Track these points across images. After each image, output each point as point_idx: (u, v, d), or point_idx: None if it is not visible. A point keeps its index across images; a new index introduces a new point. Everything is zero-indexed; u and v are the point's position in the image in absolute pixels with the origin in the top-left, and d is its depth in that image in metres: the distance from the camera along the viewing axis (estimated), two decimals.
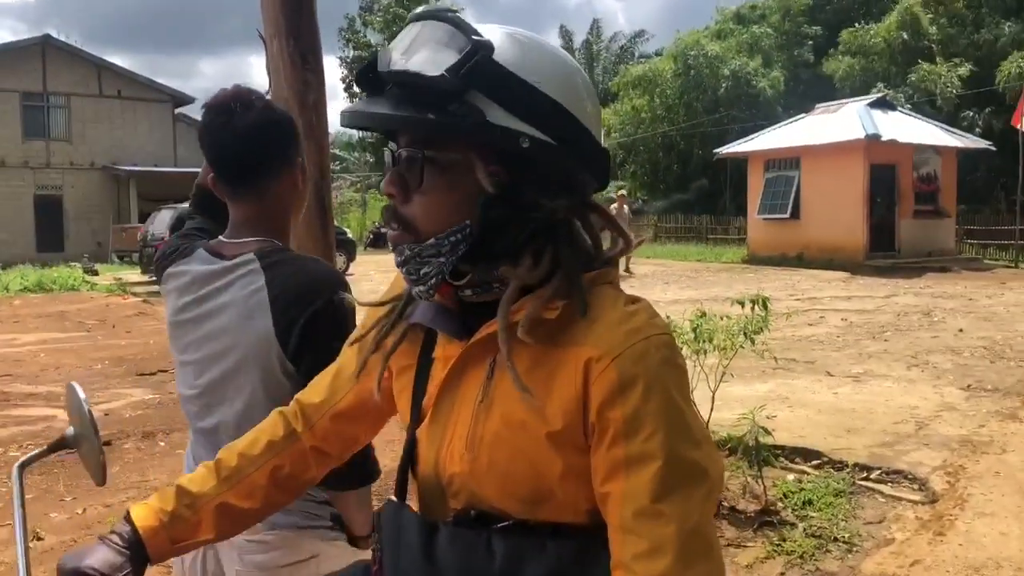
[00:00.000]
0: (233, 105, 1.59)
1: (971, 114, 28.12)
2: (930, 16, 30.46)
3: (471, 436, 1.00)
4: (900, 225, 20.00)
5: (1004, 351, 8.35)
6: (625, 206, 19.42)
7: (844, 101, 22.28)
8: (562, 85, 0.98)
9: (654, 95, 35.03)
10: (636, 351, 0.92)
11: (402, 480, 1.12)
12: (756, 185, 22.05)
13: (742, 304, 4.60)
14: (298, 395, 1.28)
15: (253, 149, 1.60)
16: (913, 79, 28.53)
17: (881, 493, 4.57)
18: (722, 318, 4.62)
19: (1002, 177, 26.10)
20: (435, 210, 0.98)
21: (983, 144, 21.78)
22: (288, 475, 1.22)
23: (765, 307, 4.53)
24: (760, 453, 4.52)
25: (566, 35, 48.67)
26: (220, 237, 1.68)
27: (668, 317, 4.63)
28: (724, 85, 32.62)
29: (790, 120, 23.19)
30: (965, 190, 27.77)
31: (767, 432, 4.48)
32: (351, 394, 1.21)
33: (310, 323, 1.54)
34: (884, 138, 18.45)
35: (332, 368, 1.26)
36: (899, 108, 22.24)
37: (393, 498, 1.10)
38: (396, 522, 1.05)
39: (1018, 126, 20.01)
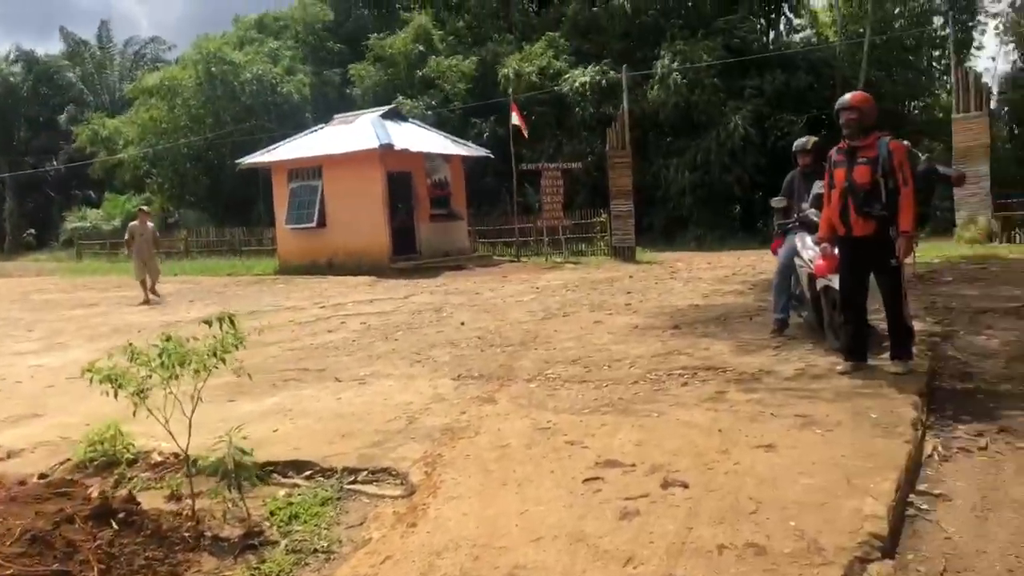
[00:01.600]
0: None
1: (479, 122, 31.21)
2: (440, 33, 33.25)
3: None
4: (419, 228, 21.40)
5: (494, 339, 9.22)
6: (149, 223, 17.91)
7: (359, 112, 23.27)
8: None
9: (175, 104, 33.44)
10: None
11: None
12: (282, 195, 22.07)
13: (209, 324, 4.40)
14: None
15: None
16: (422, 74, 30.90)
17: (366, 494, 4.69)
18: (189, 339, 4.39)
19: (506, 181, 29.32)
20: None
21: (483, 152, 24.20)
22: None
23: (233, 325, 4.39)
24: (239, 474, 4.38)
25: (69, 37, 44.29)
26: None
27: (130, 344, 4.30)
28: (248, 90, 32.23)
29: (311, 130, 23.60)
30: (478, 193, 30.78)
31: (245, 452, 4.35)
32: None
33: None
34: (397, 147, 19.57)
35: None
36: (410, 119, 23.77)
37: None
38: None
39: (524, 134, 22.58)
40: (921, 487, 4.27)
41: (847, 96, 6.30)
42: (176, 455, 5.31)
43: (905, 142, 6.24)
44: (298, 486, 4.88)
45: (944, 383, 6.19)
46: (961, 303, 9.67)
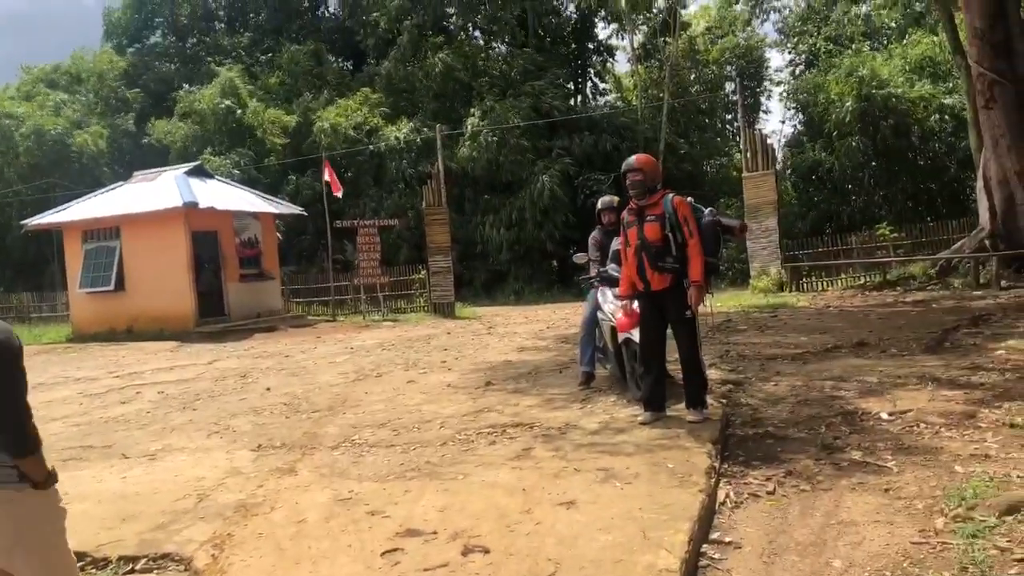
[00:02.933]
0: None
1: (296, 178, 30.65)
2: (249, 88, 32.50)
3: None
4: (228, 289, 20.51)
5: (301, 404, 8.84)
6: None
7: (162, 169, 22.28)
8: None
9: None
10: None
11: None
12: (75, 257, 20.62)
13: None
14: None
15: None
16: (236, 126, 30.01)
17: None
18: None
19: (323, 238, 28.98)
20: None
21: (296, 209, 23.69)
22: None
23: None
24: None
25: None
26: None
27: None
28: (25, 145, 30.10)
29: (108, 188, 22.34)
30: (296, 251, 30.05)
31: None
32: None
33: None
34: (202, 205, 18.78)
35: None
36: (217, 176, 22.98)
37: None
38: None
39: (337, 194, 22.34)
40: (714, 535, 4.36)
41: (632, 158, 6.58)
42: None
43: (689, 198, 6.55)
44: None
45: (737, 430, 6.44)
46: (753, 351, 10.23)
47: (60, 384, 12.33)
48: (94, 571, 4.47)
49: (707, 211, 6.60)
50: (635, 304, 6.68)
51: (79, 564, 4.61)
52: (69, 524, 5.07)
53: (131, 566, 4.47)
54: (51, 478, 2.77)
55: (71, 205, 21.73)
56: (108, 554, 4.58)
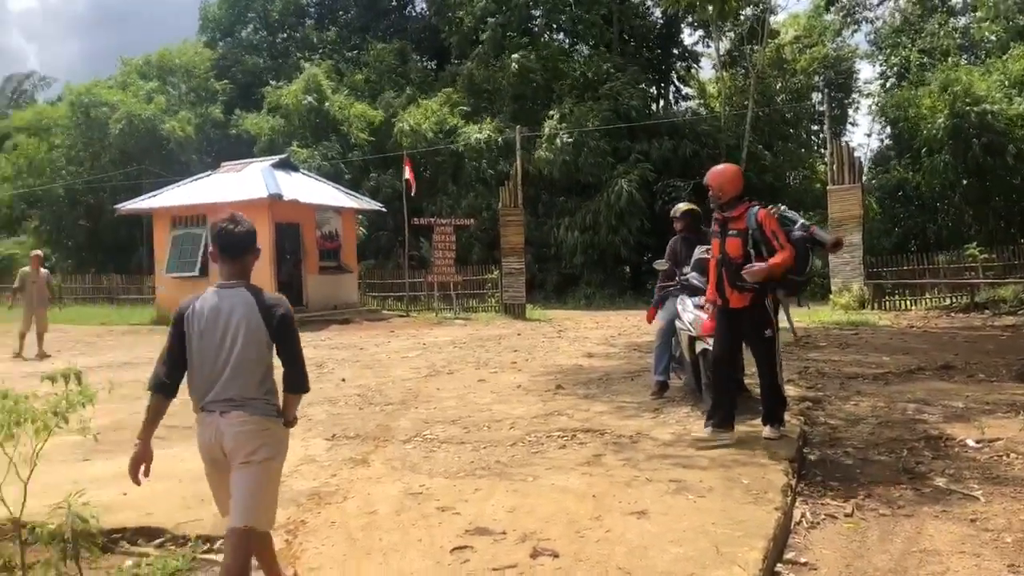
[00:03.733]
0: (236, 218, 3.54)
1: (377, 175, 31.08)
2: (332, 85, 33.05)
3: None
4: (307, 280, 20.95)
5: (374, 397, 8.97)
6: (42, 269, 15.87)
7: (249, 161, 22.87)
8: None
9: (52, 144, 32.16)
10: None
11: None
12: (163, 242, 21.31)
13: (53, 380, 4.07)
14: None
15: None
16: (320, 120, 30.58)
17: (220, 564, 4.38)
18: (27, 397, 4.04)
19: (401, 235, 29.30)
20: None
21: (376, 205, 24.04)
22: None
23: (79, 381, 4.07)
24: (78, 544, 4.03)
25: None
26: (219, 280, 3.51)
27: None
28: (119, 129, 31.11)
29: (196, 177, 23.01)
30: (373, 246, 30.46)
31: (84, 520, 4.01)
32: None
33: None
34: (286, 198, 19.21)
35: None
36: (302, 170, 23.47)
37: None
38: None
39: (411, 192, 22.67)
40: (789, 555, 4.27)
41: (716, 167, 6.36)
42: (15, 522, 4.89)
43: (781, 206, 6.33)
44: (147, 555, 4.54)
45: (815, 449, 6.29)
46: (833, 368, 9.99)
47: (145, 364, 12.72)
48: (173, 548, 4.60)
49: (798, 224, 6.32)
50: None
51: (159, 540, 4.79)
52: (153, 501, 5.27)
53: (208, 545, 4.58)
54: (295, 421, 3.70)
55: (161, 192, 22.47)
56: (187, 533, 4.71)
